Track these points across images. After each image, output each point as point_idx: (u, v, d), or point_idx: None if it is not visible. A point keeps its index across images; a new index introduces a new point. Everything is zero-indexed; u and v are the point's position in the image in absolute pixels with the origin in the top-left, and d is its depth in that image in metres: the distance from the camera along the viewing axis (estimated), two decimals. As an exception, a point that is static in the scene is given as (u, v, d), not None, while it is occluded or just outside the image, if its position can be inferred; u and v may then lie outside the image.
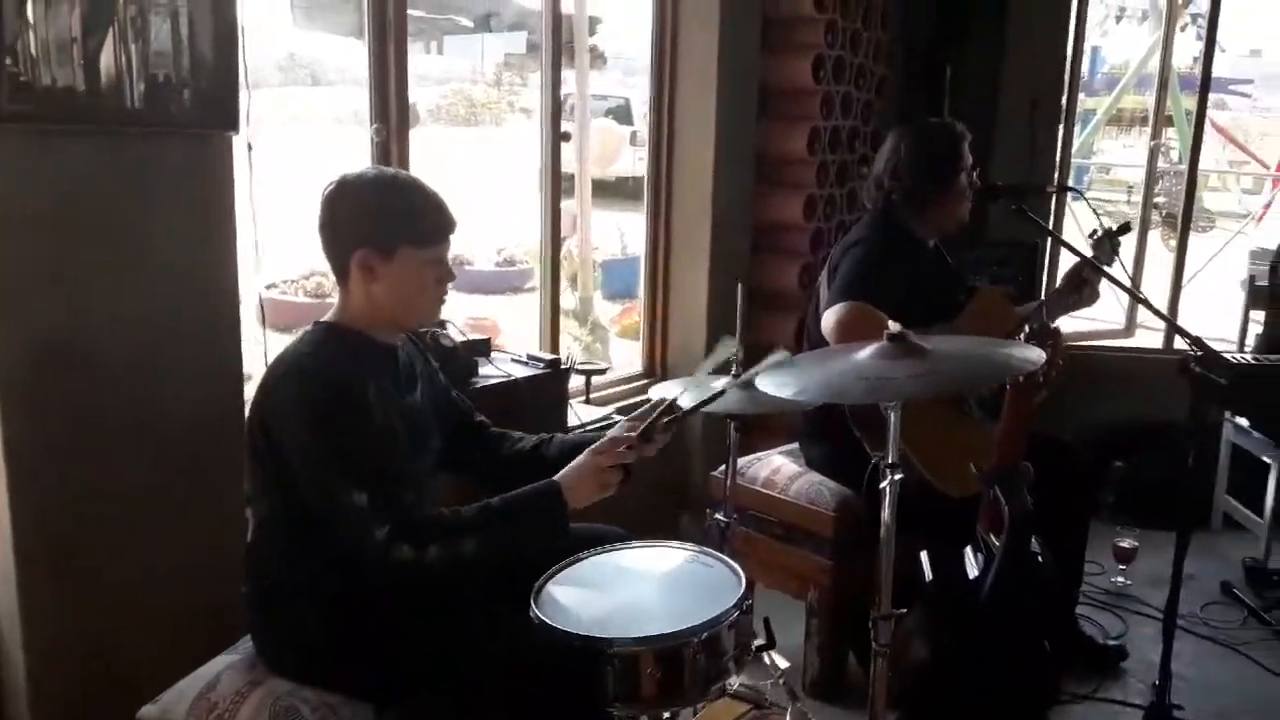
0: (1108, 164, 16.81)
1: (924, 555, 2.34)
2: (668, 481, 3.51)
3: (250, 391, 2.07)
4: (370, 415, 1.69)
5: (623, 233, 7.72)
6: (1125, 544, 3.60)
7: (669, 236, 3.69)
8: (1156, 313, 2.55)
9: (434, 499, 1.90)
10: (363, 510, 1.63)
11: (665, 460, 1.98)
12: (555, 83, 3.20)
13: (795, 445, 2.99)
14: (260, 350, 2.35)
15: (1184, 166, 13.56)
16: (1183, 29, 19.47)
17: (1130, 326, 4.89)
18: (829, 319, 2.55)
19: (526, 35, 10.51)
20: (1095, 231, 2.79)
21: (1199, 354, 2.41)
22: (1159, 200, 8.17)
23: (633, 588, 1.79)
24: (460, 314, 7.01)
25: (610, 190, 9.16)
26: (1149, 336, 4.97)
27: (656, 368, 3.79)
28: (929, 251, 2.85)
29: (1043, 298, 2.87)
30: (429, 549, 1.65)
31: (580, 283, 6.72)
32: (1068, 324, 4.41)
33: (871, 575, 1.81)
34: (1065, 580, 2.95)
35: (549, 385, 2.68)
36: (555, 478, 1.78)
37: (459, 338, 2.59)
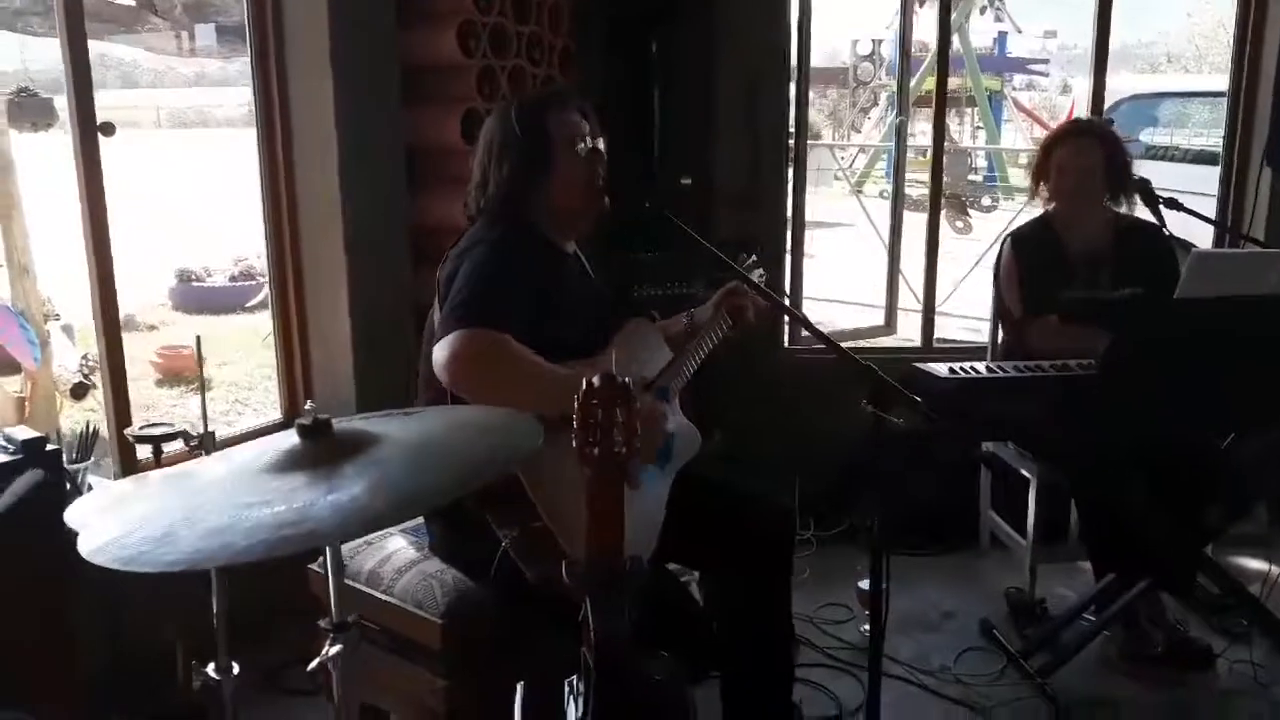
0: (923, 145, 16.95)
1: (520, 691, 1.69)
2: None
3: None
4: None
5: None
6: (869, 586, 3.06)
7: (297, 249, 2.95)
8: (813, 329, 2.02)
9: None
10: None
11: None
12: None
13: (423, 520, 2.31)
14: None
15: (990, 146, 13.49)
16: (981, 12, 19.76)
17: (891, 322, 4.41)
18: (440, 356, 1.84)
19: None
20: (743, 256, 2.45)
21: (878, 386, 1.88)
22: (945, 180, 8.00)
23: None
24: (160, 341, 6.16)
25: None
26: (911, 328, 4.51)
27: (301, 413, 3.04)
28: (569, 260, 2.22)
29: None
30: None
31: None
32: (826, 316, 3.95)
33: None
34: (776, 661, 2.37)
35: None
36: None
37: None
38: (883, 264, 4.48)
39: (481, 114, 2.97)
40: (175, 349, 5.65)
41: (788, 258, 3.94)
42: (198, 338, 1.53)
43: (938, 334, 6.06)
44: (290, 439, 1.08)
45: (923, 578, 3.39)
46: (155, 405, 5.13)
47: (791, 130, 3.89)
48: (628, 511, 1.47)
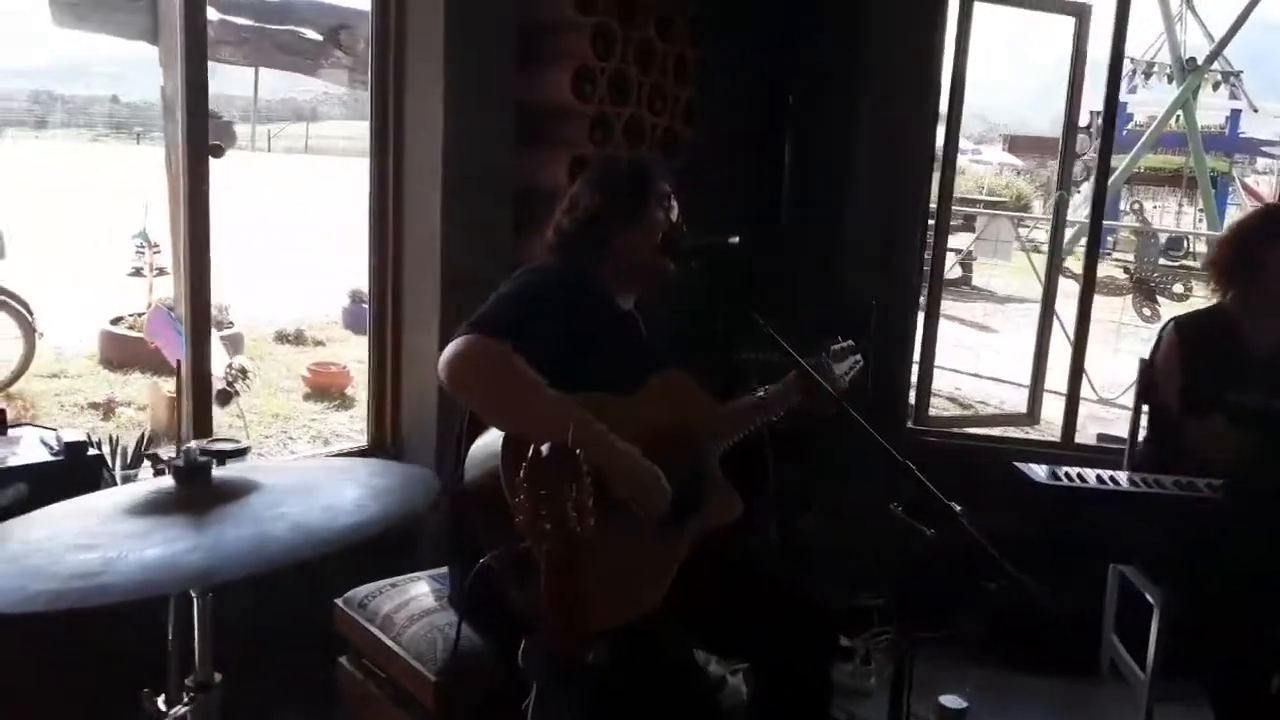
0: (1133, 225, 15.82)
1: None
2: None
3: None
4: None
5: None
6: (950, 703, 2.77)
7: (399, 280, 2.99)
8: (858, 419, 1.84)
9: None
10: None
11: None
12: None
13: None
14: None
15: (1207, 231, 12.50)
16: (1214, 88, 18.36)
17: (1034, 411, 4.06)
18: (443, 357, 1.79)
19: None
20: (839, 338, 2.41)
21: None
22: (1130, 265, 7.37)
23: None
24: (323, 357, 6.42)
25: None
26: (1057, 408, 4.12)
27: (388, 443, 3.06)
28: (619, 312, 2.14)
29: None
30: None
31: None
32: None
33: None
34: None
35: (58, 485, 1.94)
36: None
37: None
38: (1065, 346, 4.05)
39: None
40: (325, 365, 5.88)
41: (920, 319, 3.71)
42: (179, 361, 1.51)
43: (1109, 429, 5.58)
44: (159, 488, 1.02)
45: (1025, 700, 3.07)
46: (294, 417, 5.34)
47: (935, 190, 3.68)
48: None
